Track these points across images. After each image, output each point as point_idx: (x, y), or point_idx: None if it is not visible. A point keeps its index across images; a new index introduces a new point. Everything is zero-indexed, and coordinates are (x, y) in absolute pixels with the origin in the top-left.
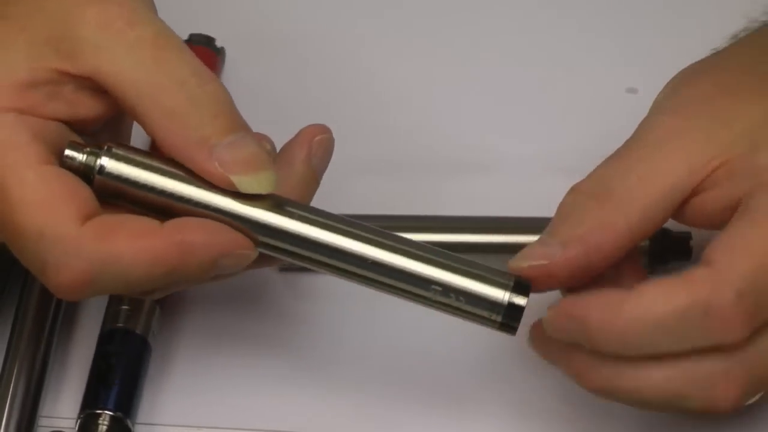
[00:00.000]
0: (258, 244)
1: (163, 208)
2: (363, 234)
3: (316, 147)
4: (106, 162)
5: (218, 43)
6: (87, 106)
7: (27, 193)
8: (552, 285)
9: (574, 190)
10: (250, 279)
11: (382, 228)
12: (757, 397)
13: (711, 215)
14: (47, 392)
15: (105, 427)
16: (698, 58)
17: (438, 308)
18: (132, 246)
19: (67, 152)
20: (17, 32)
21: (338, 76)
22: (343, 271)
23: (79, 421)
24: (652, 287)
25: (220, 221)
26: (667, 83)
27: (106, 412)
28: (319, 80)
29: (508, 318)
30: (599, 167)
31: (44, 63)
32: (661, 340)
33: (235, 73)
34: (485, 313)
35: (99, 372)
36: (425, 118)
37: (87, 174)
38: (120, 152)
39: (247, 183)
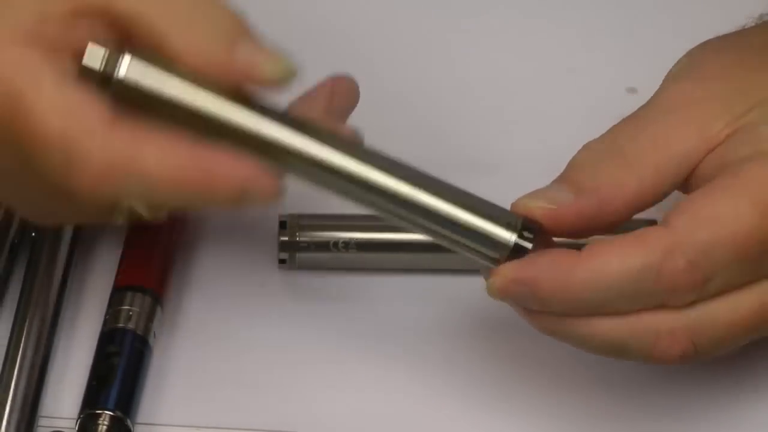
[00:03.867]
0: (282, 169)
1: (185, 118)
2: (378, 162)
3: (337, 98)
4: (129, 61)
5: None
6: (104, 36)
7: (46, 101)
8: (554, 231)
9: (586, 147)
10: (250, 279)
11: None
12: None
13: (703, 177)
14: (47, 392)
15: (105, 427)
16: None
17: (441, 240)
18: (159, 157)
19: (88, 54)
20: None
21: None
22: (350, 193)
23: (79, 421)
24: (604, 248)
25: (244, 137)
26: (686, 53)
27: (106, 412)
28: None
29: (512, 259)
30: (612, 128)
31: (54, 6)
32: (612, 300)
33: None
34: (489, 252)
35: (99, 372)
36: (426, 118)
37: (106, 77)
38: (139, 56)
39: (271, 67)
